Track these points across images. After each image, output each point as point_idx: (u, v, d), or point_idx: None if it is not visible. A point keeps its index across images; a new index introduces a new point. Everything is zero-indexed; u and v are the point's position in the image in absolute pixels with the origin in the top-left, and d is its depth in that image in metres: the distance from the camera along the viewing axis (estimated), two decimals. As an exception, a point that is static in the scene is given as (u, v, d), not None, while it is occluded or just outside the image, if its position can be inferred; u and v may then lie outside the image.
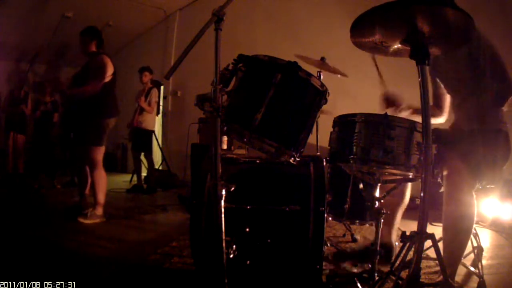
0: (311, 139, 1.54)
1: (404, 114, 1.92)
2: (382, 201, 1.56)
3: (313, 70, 1.93)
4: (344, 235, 2.61)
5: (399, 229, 2.28)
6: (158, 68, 6.42)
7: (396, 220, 2.00)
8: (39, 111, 5.54)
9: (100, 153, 2.99)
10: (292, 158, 1.44)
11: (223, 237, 1.12)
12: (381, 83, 1.98)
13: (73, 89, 2.98)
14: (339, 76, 2.84)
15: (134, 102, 4.87)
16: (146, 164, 4.95)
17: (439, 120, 1.93)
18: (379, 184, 1.58)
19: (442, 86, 1.86)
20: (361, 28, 1.27)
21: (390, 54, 1.43)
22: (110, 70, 3.01)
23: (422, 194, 1.24)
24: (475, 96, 1.67)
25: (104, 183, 3.00)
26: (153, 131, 5.04)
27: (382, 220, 1.54)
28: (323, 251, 1.59)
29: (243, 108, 1.36)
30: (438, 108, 1.92)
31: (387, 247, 1.94)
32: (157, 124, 6.08)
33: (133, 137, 4.88)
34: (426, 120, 1.25)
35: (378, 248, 1.52)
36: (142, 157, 4.93)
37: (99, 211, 2.96)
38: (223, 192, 1.13)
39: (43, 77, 6.49)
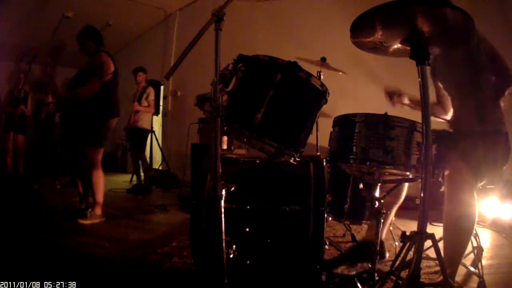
0: (311, 139, 1.54)
1: (406, 105, 1.91)
2: (382, 201, 1.56)
3: (313, 70, 1.93)
4: (344, 235, 2.60)
5: (398, 228, 2.29)
6: (158, 68, 6.43)
7: (391, 217, 2.01)
8: (43, 112, 5.50)
9: (99, 154, 2.98)
10: (292, 158, 1.44)
11: (223, 237, 1.12)
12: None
13: (68, 93, 2.91)
14: (340, 73, 2.83)
15: (131, 103, 4.85)
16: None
17: (444, 117, 1.94)
18: (379, 184, 1.58)
19: (442, 87, 1.87)
20: (361, 28, 1.27)
21: (390, 54, 1.43)
22: (109, 69, 2.94)
23: (422, 194, 1.23)
24: (474, 96, 1.67)
25: (102, 183, 3.00)
26: (149, 130, 5.03)
27: (382, 220, 1.54)
28: (323, 251, 1.59)
29: (243, 108, 1.36)
30: (442, 108, 1.93)
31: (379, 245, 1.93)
32: (157, 124, 6.08)
33: (130, 137, 4.87)
34: (426, 120, 1.25)
35: (378, 248, 1.52)
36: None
37: (98, 211, 2.96)
38: (223, 192, 1.13)
39: (42, 77, 6.49)
